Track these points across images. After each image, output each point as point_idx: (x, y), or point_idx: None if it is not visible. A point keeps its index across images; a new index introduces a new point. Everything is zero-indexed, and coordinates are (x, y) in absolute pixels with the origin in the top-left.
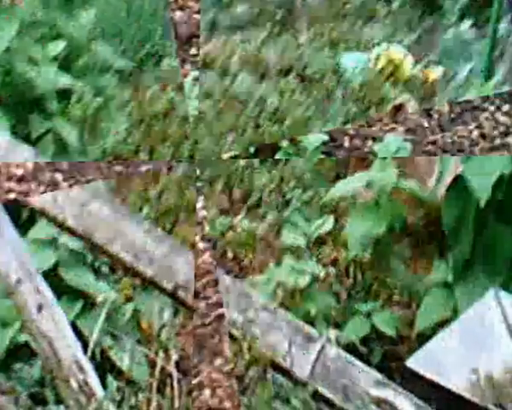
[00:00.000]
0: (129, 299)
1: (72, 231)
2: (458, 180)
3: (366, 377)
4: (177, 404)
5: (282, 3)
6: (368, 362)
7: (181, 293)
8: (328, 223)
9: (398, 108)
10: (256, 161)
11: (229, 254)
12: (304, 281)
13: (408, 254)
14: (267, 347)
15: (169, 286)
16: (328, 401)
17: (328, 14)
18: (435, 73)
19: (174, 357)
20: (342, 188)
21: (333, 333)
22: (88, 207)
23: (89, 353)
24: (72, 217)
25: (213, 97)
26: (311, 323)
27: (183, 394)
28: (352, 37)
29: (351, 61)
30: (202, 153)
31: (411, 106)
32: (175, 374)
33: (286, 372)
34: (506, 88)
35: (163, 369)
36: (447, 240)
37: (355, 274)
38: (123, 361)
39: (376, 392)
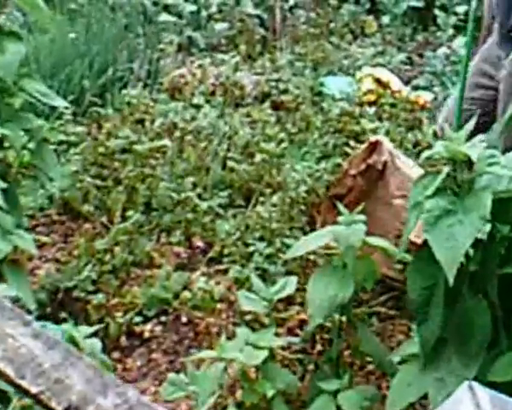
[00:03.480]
0: None
1: None
2: (424, 247)
3: None
4: None
5: (265, 21)
6: None
7: None
8: (289, 285)
9: (374, 146)
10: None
11: (183, 318)
12: (259, 357)
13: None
14: None
15: (59, 408)
16: None
17: (313, 32)
18: (424, 97)
19: None
20: (304, 246)
21: None
22: None
23: None
24: None
25: (177, 132)
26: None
27: None
28: (337, 57)
29: (333, 85)
30: (160, 198)
31: (386, 143)
32: None
33: None
34: None
35: None
36: (415, 316)
37: (323, 341)
38: None
39: None
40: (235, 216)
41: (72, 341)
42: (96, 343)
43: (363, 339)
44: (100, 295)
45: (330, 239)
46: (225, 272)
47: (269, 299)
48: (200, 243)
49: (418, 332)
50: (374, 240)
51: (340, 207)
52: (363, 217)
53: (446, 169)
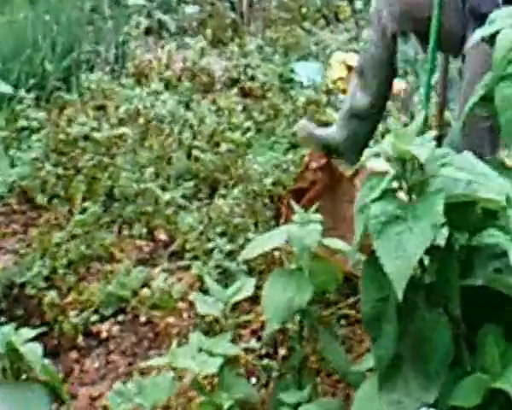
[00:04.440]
0: None
1: None
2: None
3: None
4: None
5: (236, 5)
6: None
7: None
8: (247, 287)
9: None
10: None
11: (142, 318)
12: (214, 365)
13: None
14: None
15: None
16: None
17: (285, 17)
18: (396, 86)
19: None
20: (258, 246)
21: None
22: None
23: None
24: None
25: (140, 119)
26: None
27: None
28: (309, 43)
29: (303, 71)
30: (122, 188)
31: None
32: None
33: None
34: None
35: None
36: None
37: (287, 346)
38: None
39: None
40: (199, 208)
41: (11, 347)
42: (37, 348)
43: (325, 347)
44: (53, 293)
45: (283, 240)
46: (187, 268)
47: (225, 301)
48: (163, 236)
49: (372, 349)
50: (330, 241)
51: (294, 205)
52: (318, 216)
53: (393, 170)
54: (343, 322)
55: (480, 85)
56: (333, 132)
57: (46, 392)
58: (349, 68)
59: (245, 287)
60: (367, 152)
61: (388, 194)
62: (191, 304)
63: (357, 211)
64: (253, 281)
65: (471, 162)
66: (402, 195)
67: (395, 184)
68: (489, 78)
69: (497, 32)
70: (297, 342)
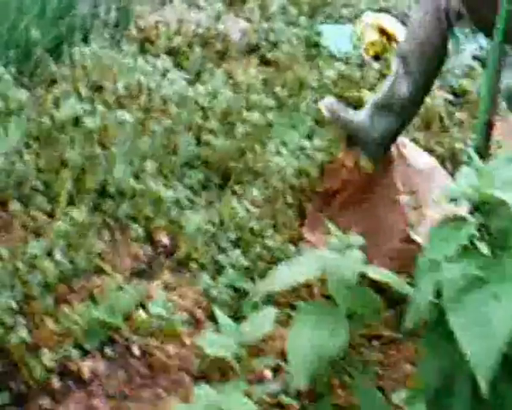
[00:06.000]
0: None
1: None
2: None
3: None
4: None
5: None
6: None
7: None
8: (266, 321)
9: None
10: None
11: (135, 350)
12: None
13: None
14: None
15: None
16: None
17: None
18: None
19: None
20: (282, 278)
21: None
22: None
23: None
24: None
25: (142, 97)
26: None
27: None
28: (337, 1)
29: (331, 36)
30: (116, 184)
31: None
32: None
33: None
34: None
35: None
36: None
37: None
38: None
39: None
40: (208, 206)
41: None
42: None
43: (361, 399)
44: (22, 331)
45: (317, 271)
46: (193, 278)
47: (238, 342)
48: (164, 240)
49: None
50: (375, 272)
51: (330, 225)
52: (360, 239)
53: (474, 219)
54: (375, 343)
55: None
56: (360, 117)
57: None
58: (381, 31)
59: (263, 321)
60: (440, 192)
61: (468, 251)
62: (197, 324)
63: (422, 267)
64: (272, 313)
65: None
66: (483, 247)
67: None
68: None
69: None
70: (326, 388)
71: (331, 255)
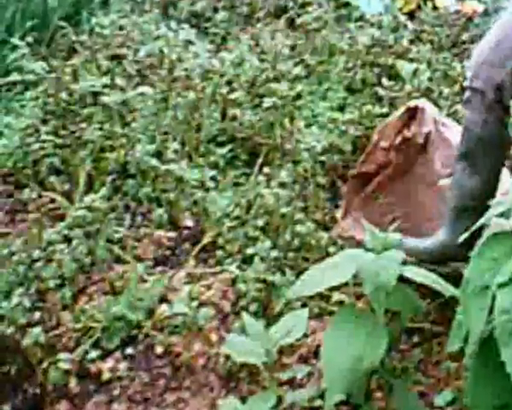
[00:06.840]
0: None
1: None
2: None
3: None
4: None
5: None
6: None
7: None
8: (298, 324)
9: (413, 112)
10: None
11: (158, 349)
12: None
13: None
14: None
15: None
16: None
17: None
18: (472, 6)
19: None
20: (314, 281)
21: None
22: None
23: None
24: None
25: (162, 67)
26: None
27: None
28: None
29: None
30: (137, 162)
31: (430, 109)
32: None
33: None
34: None
35: None
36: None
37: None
38: None
39: None
40: (235, 185)
41: None
42: None
43: (400, 405)
44: (36, 330)
45: (352, 273)
46: (219, 268)
47: (267, 347)
48: (189, 223)
49: None
50: (413, 273)
51: (365, 223)
52: (398, 237)
53: None
54: (416, 339)
55: None
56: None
57: None
58: None
59: (296, 323)
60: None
61: None
62: (223, 320)
63: (469, 291)
64: (305, 314)
65: None
66: None
67: None
68: None
69: None
70: (363, 399)
71: (366, 256)
